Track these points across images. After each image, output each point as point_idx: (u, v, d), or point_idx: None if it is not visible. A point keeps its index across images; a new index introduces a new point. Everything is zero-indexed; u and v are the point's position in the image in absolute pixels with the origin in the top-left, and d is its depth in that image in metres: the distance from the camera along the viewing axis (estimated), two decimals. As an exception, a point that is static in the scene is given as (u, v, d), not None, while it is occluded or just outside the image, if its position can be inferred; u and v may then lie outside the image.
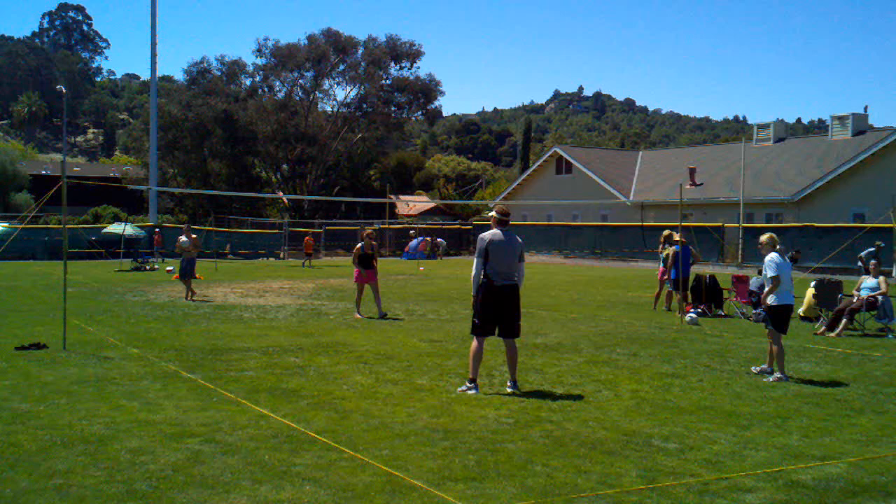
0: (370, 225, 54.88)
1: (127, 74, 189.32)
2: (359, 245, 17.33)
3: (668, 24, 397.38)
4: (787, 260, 10.88)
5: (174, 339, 13.52)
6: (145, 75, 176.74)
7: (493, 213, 9.67)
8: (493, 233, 9.40)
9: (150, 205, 53.13)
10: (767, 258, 10.75)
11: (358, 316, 16.71)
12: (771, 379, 10.37)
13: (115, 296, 21.65)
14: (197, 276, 29.08)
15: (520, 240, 9.61)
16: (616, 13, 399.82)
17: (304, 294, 22.87)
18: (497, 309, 9.38)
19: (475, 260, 9.40)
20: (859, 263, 23.97)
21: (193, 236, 21.48)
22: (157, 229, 43.74)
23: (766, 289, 10.64)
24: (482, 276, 9.37)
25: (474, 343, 9.48)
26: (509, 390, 9.35)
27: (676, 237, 18.65)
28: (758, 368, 10.86)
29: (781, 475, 6.37)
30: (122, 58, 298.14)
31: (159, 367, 10.78)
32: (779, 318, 10.55)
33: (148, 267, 34.99)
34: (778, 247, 10.88)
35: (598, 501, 5.72)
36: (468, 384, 9.39)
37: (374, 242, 17.47)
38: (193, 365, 10.99)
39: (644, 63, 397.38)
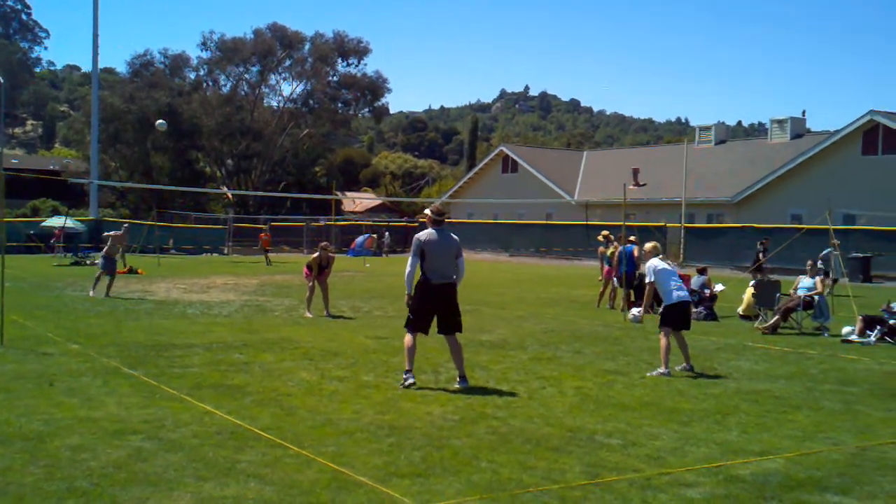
0: (316, 220, 54.62)
1: (68, 66, 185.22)
2: (316, 255, 17.23)
3: (612, 26, 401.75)
4: (672, 266, 11.52)
5: (116, 334, 13.31)
6: (87, 67, 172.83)
7: (427, 212, 9.82)
8: (429, 232, 9.52)
9: (90, 199, 52.14)
10: (647, 264, 11.32)
11: (308, 315, 16.60)
12: (655, 373, 10.72)
13: (54, 291, 21.24)
14: (139, 271, 28.76)
15: (455, 238, 9.77)
16: (562, 14, 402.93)
17: (249, 290, 22.68)
18: (434, 306, 9.53)
19: (410, 258, 9.54)
20: (820, 264, 24.85)
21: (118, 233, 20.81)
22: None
23: (646, 294, 11.53)
24: (421, 275, 9.49)
25: (407, 337, 9.61)
26: (457, 386, 9.37)
27: (614, 238, 19.09)
28: (679, 367, 11.08)
29: (721, 470, 6.50)
30: (63, 49, 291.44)
31: (100, 364, 10.61)
32: (666, 318, 11.05)
33: (88, 262, 34.37)
34: (660, 255, 11.45)
35: (543, 497, 5.77)
36: (405, 375, 9.47)
37: (331, 255, 17.47)
38: (135, 361, 10.84)
39: (589, 64, 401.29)
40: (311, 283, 17.08)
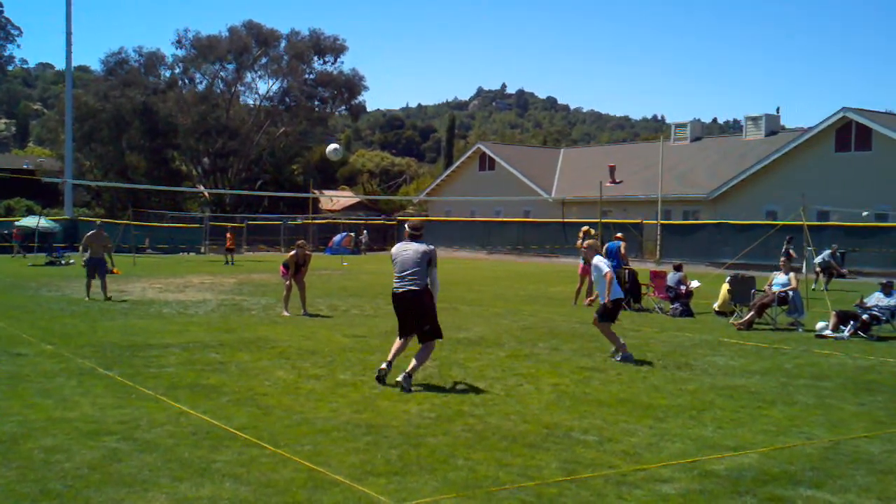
0: (294, 219, 54.43)
1: (41, 64, 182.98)
2: (293, 253, 17.17)
3: (589, 23, 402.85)
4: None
5: (90, 335, 13.21)
6: (60, 65, 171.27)
7: (406, 228, 10.05)
8: (398, 245, 9.87)
9: (65, 198, 51.68)
10: (596, 260, 11.80)
11: (285, 314, 16.51)
12: (618, 358, 11.44)
13: (28, 291, 21.05)
14: (115, 270, 28.50)
15: (427, 247, 9.69)
16: (539, 12, 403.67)
17: (226, 289, 22.57)
18: (400, 314, 9.71)
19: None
20: (822, 263, 25.50)
21: (105, 233, 19.92)
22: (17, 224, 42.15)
23: (606, 286, 11.53)
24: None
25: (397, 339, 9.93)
26: (399, 379, 9.22)
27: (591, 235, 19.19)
28: (616, 357, 11.56)
29: (696, 465, 6.55)
30: (36, 46, 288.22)
31: (75, 364, 10.53)
32: (613, 314, 11.79)
33: (63, 262, 34.08)
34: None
35: (519, 494, 5.79)
36: (384, 364, 9.68)
37: (308, 253, 17.43)
38: (110, 361, 10.76)
39: (566, 61, 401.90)
40: (288, 282, 17.02)
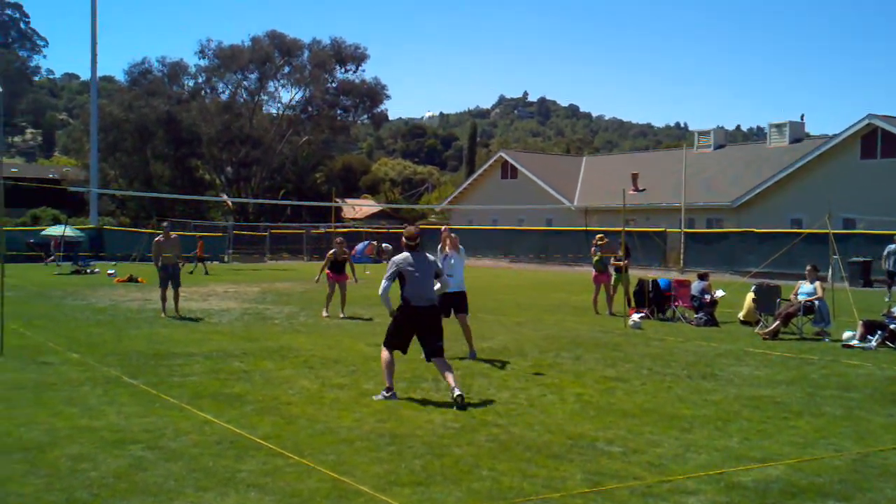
0: (316, 227, 54.57)
1: (66, 74, 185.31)
2: (331, 251, 18.25)
3: (611, 31, 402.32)
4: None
5: (116, 343, 13.30)
6: (85, 75, 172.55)
7: (403, 239, 9.73)
8: (405, 256, 9.43)
9: (90, 207, 52.15)
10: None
11: (325, 314, 17.69)
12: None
13: (54, 299, 21.23)
14: (140, 279, 28.69)
15: (431, 258, 9.72)
16: (560, 19, 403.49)
17: (249, 298, 22.66)
18: (416, 329, 9.38)
19: (384, 281, 9.43)
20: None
21: (173, 235, 18.37)
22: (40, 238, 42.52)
23: None
24: (402, 298, 9.36)
25: (385, 353, 9.48)
26: (457, 398, 8.81)
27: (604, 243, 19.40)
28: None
29: (723, 477, 6.49)
30: (62, 57, 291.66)
31: (100, 373, 10.60)
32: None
33: (88, 270, 34.36)
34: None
35: (544, 505, 5.76)
36: (384, 393, 9.25)
37: (345, 249, 18.00)
38: (135, 370, 10.83)
39: (588, 69, 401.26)
40: (332, 283, 18.11)
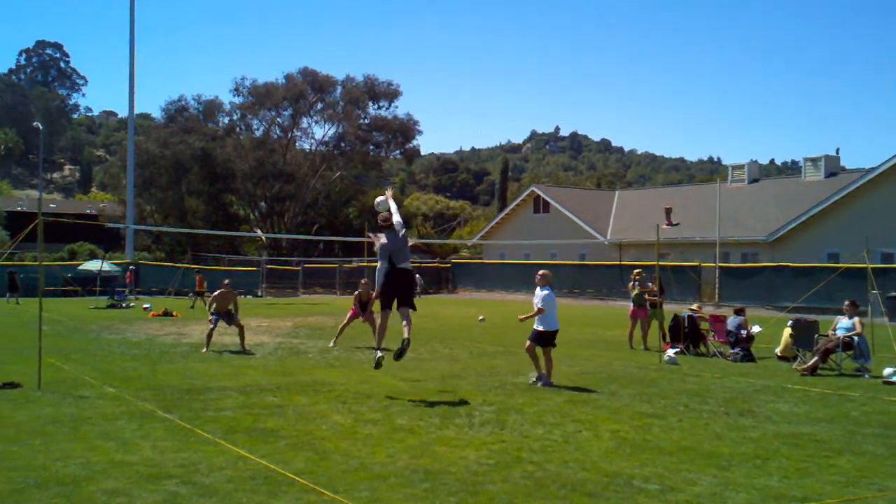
0: (349, 262, 54.79)
1: (104, 111, 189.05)
2: (358, 292, 18.99)
3: (643, 65, 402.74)
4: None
5: (151, 377, 13.38)
6: (123, 112, 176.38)
7: (378, 221, 12.18)
8: (384, 237, 11.86)
9: (127, 242, 52.83)
10: (540, 291, 13.27)
11: (331, 344, 18.53)
12: (532, 381, 13.25)
13: (90, 334, 21.43)
14: (174, 313, 28.98)
15: (402, 233, 12.00)
16: (591, 55, 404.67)
17: (283, 332, 22.73)
18: (395, 287, 11.83)
19: (380, 262, 11.89)
20: None
21: (226, 281, 19.20)
22: (130, 267, 43.39)
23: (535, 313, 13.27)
24: (387, 264, 11.81)
25: (381, 317, 12.09)
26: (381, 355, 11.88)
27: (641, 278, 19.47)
28: (532, 380, 13.30)
29: (763, 516, 6.36)
30: (100, 95, 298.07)
31: (136, 407, 10.65)
32: (542, 339, 13.25)
33: (124, 304, 34.72)
34: (551, 283, 13.47)
35: (581, 544, 5.68)
36: (378, 352, 11.97)
37: (372, 292, 18.37)
38: (170, 404, 10.87)
39: (620, 103, 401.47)
40: (348, 319, 18.87)
